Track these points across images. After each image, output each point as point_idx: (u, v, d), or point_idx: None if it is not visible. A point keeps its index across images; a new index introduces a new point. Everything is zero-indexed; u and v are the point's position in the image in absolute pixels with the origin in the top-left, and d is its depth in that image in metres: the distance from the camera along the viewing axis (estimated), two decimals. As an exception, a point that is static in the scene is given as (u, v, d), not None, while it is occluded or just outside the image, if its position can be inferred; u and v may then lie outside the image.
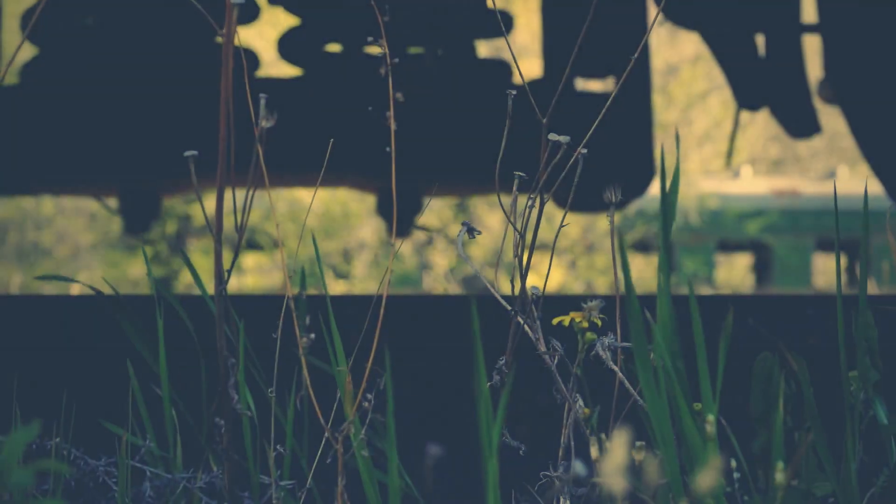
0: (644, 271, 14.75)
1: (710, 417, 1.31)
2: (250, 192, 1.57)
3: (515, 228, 1.79)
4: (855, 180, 16.80)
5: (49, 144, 4.50)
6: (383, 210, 4.84)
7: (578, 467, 1.02)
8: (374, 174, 4.61)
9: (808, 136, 4.64)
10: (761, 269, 16.21)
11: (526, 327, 1.75)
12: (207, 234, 14.08)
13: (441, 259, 13.52)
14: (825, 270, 16.64)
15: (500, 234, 13.62)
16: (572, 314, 1.92)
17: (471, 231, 1.92)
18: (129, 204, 4.69)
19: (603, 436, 1.40)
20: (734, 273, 16.23)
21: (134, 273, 12.77)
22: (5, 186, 4.69)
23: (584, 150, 1.78)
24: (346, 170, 4.60)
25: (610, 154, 4.52)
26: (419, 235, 13.27)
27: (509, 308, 1.80)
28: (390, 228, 4.84)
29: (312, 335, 1.57)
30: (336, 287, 13.76)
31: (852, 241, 16.08)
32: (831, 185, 16.24)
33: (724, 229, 15.18)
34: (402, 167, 4.50)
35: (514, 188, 1.89)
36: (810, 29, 4.60)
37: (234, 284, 13.09)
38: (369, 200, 13.19)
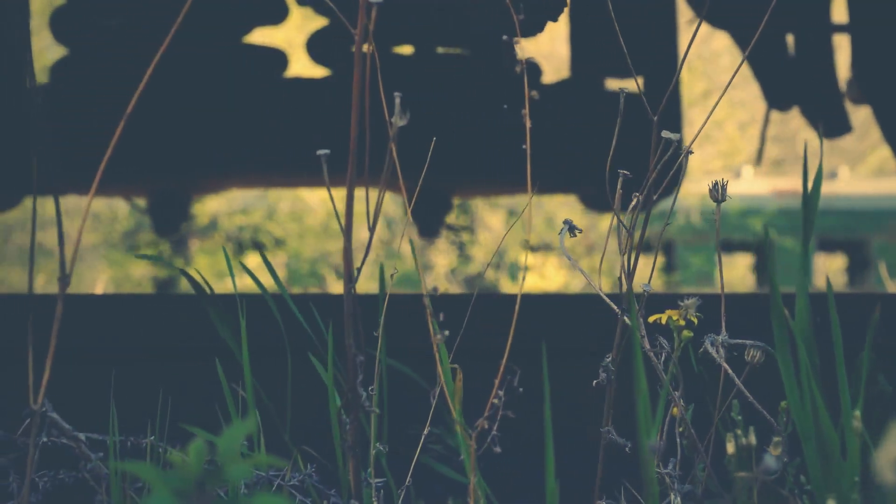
0: (643, 270, 14.73)
1: (857, 413, 1.32)
2: (382, 192, 1.58)
3: (623, 225, 1.79)
4: (855, 180, 16.88)
5: (78, 145, 4.50)
6: (414, 211, 4.84)
7: (770, 461, 1.03)
8: (405, 175, 4.62)
9: (839, 135, 4.65)
10: (762, 269, 16.27)
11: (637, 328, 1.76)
12: (210, 234, 14.12)
13: (442, 259, 13.53)
14: (825, 270, 16.68)
15: (500, 233, 13.64)
16: (668, 312, 1.93)
17: (572, 229, 1.93)
18: (159, 205, 4.68)
19: (739, 432, 1.41)
20: (735, 272, 16.28)
21: (136, 273, 12.77)
22: (35, 187, 4.68)
23: (692, 151, 1.79)
24: (374, 169, 4.61)
25: (640, 154, 4.53)
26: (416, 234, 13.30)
27: (615, 307, 1.81)
28: (421, 230, 4.84)
29: (447, 332, 1.58)
30: (337, 287, 13.76)
31: (853, 241, 16.16)
32: (832, 186, 16.31)
33: (726, 228, 15.24)
34: (433, 167, 4.51)
35: (619, 186, 1.90)
36: (840, 29, 4.62)
37: (237, 284, 13.03)
38: (372, 201, 13.18)
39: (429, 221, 4.79)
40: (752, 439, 1.37)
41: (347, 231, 1.51)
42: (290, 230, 13.39)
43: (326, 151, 1.49)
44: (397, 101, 1.46)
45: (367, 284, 13.80)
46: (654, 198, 1.80)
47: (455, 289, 12.71)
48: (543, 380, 1.48)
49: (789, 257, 15.98)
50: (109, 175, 4.62)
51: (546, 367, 1.34)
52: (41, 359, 2.53)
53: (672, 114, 4.70)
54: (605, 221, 13.21)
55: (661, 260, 15.24)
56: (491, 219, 13.77)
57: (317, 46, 4.68)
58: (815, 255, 16.32)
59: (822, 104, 4.63)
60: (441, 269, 13.01)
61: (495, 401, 1.57)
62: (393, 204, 12.99)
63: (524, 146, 1.79)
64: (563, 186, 4.74)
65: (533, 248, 13.49)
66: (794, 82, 4.61)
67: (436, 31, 4.67)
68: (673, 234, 15.01)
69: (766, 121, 4.92)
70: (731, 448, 1.40)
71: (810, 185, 1.44)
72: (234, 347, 1.97)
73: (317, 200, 13.35)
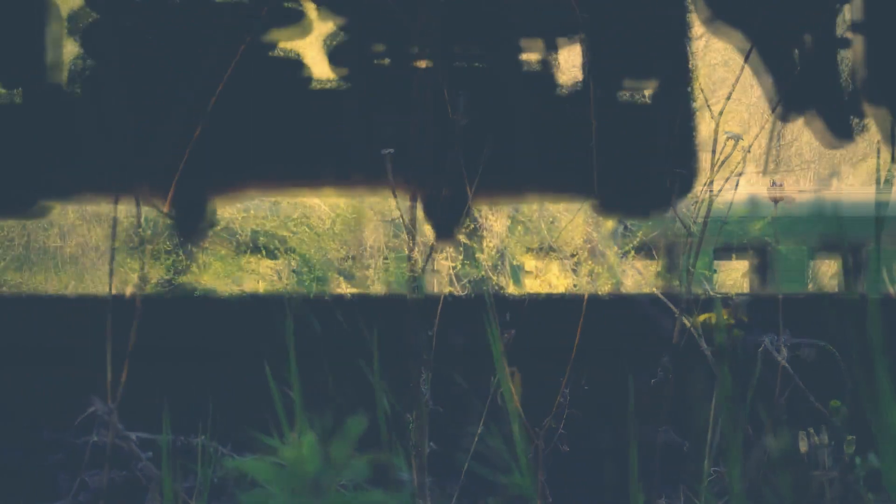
0: (647, 273, 14.85)
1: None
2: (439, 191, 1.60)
3: (686, 227, 1.82)
4: (850, 186, 16.96)
5: (101, 150, 4.53)
6: (430, 215, 4.87)
7: (876, 461, 1.05)
8: (424, 178, 4.65)
9: (842, 145, 4.72)
10: (759, 273, 16.33)
11: (692, 329, 1.78)
12: (218, 238, 14.12)
13: (446, 262, 13.56)
14: (820, 275, 16.74)
15: (503, 237, 13.65)
16: (707, 313, 1.95)
17: (627, 229, 1.95)
18: (182, 211, 4.70)
19: (812, 430, 1.43)
20: (733, 275, 16.33)
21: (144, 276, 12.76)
22: (58, 192, 4.72)
23: (748, 150, 1.82)
24: (392, 175, 4.65)
25: (655, 160, 4.59)
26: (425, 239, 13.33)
27: (674, 308, 1.83)
28: (437, 233, 4.86)
29: (513, 331, 1.60)
30: (343, 290, 13.78)
31: (848, 245, 16.22)
32: (828, 191, 16.38)
33: (723, 233, 15.26)
34: (454, 172, 4.55)
35: (676, 187, 1.93)
36: (847, 38, 4.67)
37: (246, 287, 13.11)
38: (377, 206, 13.20)
39: (449, 225, 4.82)
40: (825, 439, 1.40)
41: (411, 232, 1.53)
42: (301, 235, 13.40)
43: (391, 150, 1.51)
44: (462, 101, 1.49)
45: (376, 289, 13.84)
46: (716, 194, 1.83)
47: (460, 292, 12.73)
48: (615, 380, 1.50)
49: (785, 262, 16.03)
50: (134, 181, 4.67)
51: (627, 368, 1.36)
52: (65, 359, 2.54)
53: (687, 120, 4.73)
54: (606, 226, 13.25)
55: (661, 263, 15.27)
56: (494, 222, 13.79)
57: (337, 54, 4.71)
58: (811, 260, 16.37)
59: (830, 111, 4.68)
60: (445, 271, 13.03)
61: (560, 399, 1.60)
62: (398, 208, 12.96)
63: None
64: (580, 190, 4.78)
65: (536, 252, 13.50)
66: (803, 90, 4.65)
67: (456, 36, 4.71)
68: (673, 238, 15.05)
69: (775, 128, 4.95)
70: (804, 446, 1.42)
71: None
72: (293, 352, 1.98)
73: (324, 205, 13.35)
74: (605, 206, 4.91)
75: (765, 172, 5.34)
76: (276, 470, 1.00)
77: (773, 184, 1.69)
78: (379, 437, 2.00)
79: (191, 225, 4.61)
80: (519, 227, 13.53)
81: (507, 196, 5.38)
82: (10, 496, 2.15)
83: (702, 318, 1.68)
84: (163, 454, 1.83)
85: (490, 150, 4.59)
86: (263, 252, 13.52)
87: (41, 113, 4.56)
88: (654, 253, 15.34)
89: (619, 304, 2.10)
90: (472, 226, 13.19)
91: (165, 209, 5.34)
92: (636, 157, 4.55)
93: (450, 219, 4.81)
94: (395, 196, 1.54)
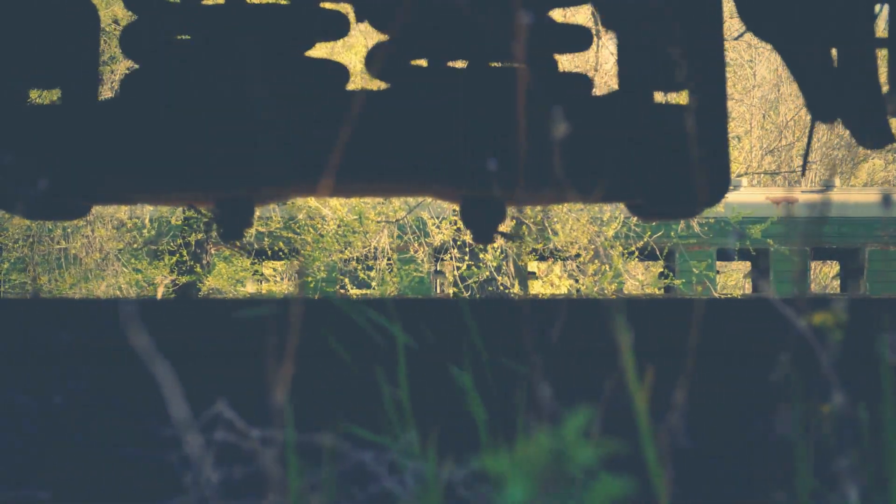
0: (643, 275, 15.00)
1: None
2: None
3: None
4: (847, 189, 17.16)
5: (148, 155, 4.63)
6: (468, 218, 4.97)
7: None
8: (460, 183, 4.76)
9: (881, 146, 4.82)
10: (759, 276, 16.53)
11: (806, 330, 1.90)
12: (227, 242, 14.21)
13: (451, 264, 13.66)
14: (816, 278, 16.92)
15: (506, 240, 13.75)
16: (821, 314, 2.06)
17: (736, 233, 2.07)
18: (225, 212, 4.81)
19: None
20: (730, 277, 16.49)
21: (157, 279, 12.89)
22: (105, 196, 4.82)
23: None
24: (431, 179, 4.76)
25: (688, 164, 4.70)
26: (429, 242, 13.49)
27: (788, 312, 1.95)
28: (476, 235, 4.97)
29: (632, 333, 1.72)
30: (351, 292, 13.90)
31: (846, 249, 16.46)
32: (826, 196, 16.55)
33: (724, 237, 15.47)
34: (490, 176, 4.66)
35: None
36: (882, 43, 4.78)
37: (253, 289, 13.23)
38: (381, 209, 13.31)
39: (484, 228, 4.92)
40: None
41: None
42: (307, 238, 13.50)
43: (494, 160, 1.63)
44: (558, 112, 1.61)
45: (389, 287, 13.98)
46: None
47: (461, 294, 12.81)
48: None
49: (786, 263, 16.23)
50: (176, 184, 4.76)
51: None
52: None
53: (720, 126, 4.85)
54: (610, 229, 13.36)
55: (661, 265, 15.39)
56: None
57: (375, 60, 4.82)
58: (811, 263, 16.56)
59: (863, 116, 4.79)
60: (450, 274, 13.16)
61: (678, 399, 1.70)
62: (402, 210, 13.11)
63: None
64: (614, 195, 4.89)
65: (542, 257, 13.61)
66: (838, 95, 4.76)
67: (489, 45, 4.81)
68: (674, 241, 15.23)
69: (811, 133, 5.08)
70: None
71: None
72: (343, 352, 2.09)
73: (331, 209, 13.46)
74: (635, 209, 5.02)
75: (802, 174, 5.43)
76: (514, 465, 1.09)
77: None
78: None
79: (231, 224, 4.72)
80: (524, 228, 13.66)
81: (546, 198, 5.47)
82: (132, 492, 2.25)
83: (817, 318, 1.79)
84: (287, 451, 1.93)
85: (529, 153, 4.71)
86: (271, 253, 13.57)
87: (85, 118, 4.66)
88: (657, 254, 15.56)
89: (729, 307, 2.21)
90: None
91: (208, 210, 5.45)
92: (674, 159, 4.66)
93: (487, 223, 4.92)
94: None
